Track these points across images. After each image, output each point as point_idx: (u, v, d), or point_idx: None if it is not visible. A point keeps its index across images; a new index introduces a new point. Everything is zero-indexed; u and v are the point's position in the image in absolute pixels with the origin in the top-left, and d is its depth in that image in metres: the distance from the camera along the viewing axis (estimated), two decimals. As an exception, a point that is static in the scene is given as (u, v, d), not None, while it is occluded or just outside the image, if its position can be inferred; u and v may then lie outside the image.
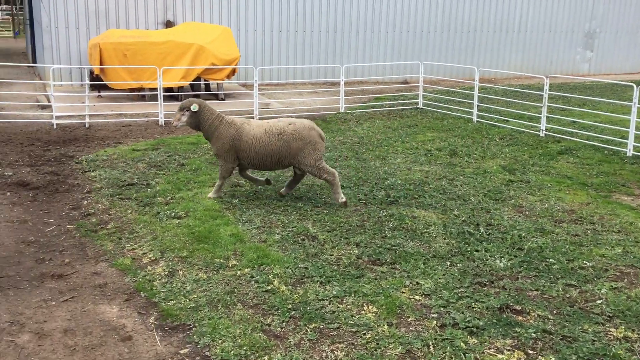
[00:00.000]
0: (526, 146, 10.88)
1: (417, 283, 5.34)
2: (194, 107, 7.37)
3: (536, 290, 5.31)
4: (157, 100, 12.66)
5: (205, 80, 15.51)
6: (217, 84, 15.62)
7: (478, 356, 4.27)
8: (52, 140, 10.74)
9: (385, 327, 4.60)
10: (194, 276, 5.44)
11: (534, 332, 4.58)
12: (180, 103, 7.62)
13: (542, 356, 4.29)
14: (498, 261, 5.84)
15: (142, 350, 4.34)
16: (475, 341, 4.44)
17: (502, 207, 7.51)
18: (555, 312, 4.92)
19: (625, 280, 5.56)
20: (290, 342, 4.42)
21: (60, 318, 4.71)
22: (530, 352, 4.34)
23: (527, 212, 7.35)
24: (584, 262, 5.89)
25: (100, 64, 14.02)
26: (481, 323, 4.67)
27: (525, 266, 5.76)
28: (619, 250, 6.20)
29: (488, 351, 4.33)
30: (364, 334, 4.51)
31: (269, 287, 5.22)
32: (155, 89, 13.67)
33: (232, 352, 4.27)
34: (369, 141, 11.17)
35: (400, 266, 5.69)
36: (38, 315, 4.74)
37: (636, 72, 24.71)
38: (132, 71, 14.00)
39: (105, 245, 6.14)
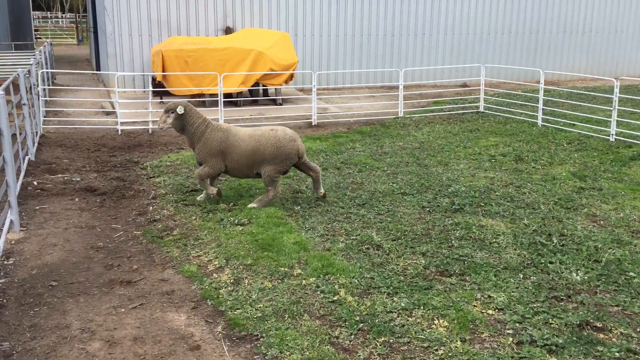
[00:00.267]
0: (596, 151, 10.45)
1: (489, 296, 5.15)
2: (180, 110, 7.38)
3: (617, 305, 5.03)
4: (217, 106, 12.79)
5: (263, 86, 15.60)
6: (275, 89, 15.69)
7: (558, 376, 4.05)
8: (117, 146, 10.98)
9: (459, 343, 4.43)
10: (259, 285, 5.40)
11: (618, 352, 4.32)
12: (165, 105, 7.64)
13: (628, 378, 4.04)
14: (574, 274, 5.57)
15: (211, 360, 4.31)
16: (555, 360, 4.22)
17: (574, 216, 7.20)
18: (639, 329, 4.64)
19: None
20: (359, 356, 4.31)
21: (129, 326, 4.74)
22: (615, 373, 4.10)
23: (601, 222, 7.02)
24: (668, 276, 5.57)
25: (163, 71, 14.29)
26: (560, 341, 4.44)
27: (603, 280, 5.48)
28: None
29: (569, 371, 4.11)
30: (437, 350, 4.35)
31: (335, 298, 5.13)
32: (215, 95, 13.82)
33: (301, 365, 4.19)
34: (429, 146, 10.96)
35: (470, 278, 5.50)
36: (108, 322, 4.79)
37: None
38: (193, 77, 14.22)
39: (172, 252, 6.18)
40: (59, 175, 8.94)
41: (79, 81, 19.86)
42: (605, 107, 12.96)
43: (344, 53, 18.88)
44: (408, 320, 4.75)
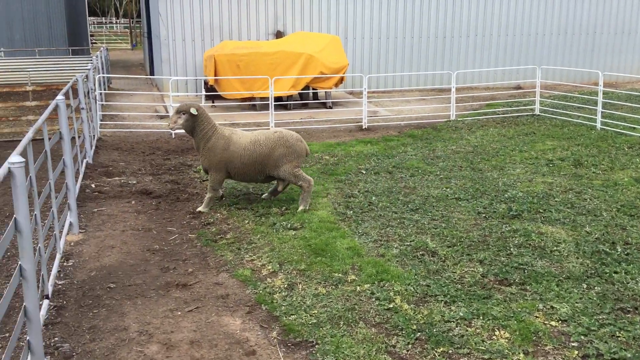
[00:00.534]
0: (660, 156, 10.03)
1: (552, 307, 4.96)
2: (194, 111, 7.34)
3: (689, 319, 4.78)
4: (267, 110, 12.85)
5: (313, 89, 15.60)
6: (325, 92, 15.67)
7: (628, 393, 3.87)
8: (171, 150, 11.15)
9: (522, 355, 4.28)
10: (313, 290, 5.35)
11: (692, 369, 4.10)
12: (177, 106, 7.62)
13: None
14: (642, 285, 5.33)
15: (267, 366, 4.29)
16: (624, 376, 4.03)
17: (639, 224, 6.90)
18: None
19: None
20: (417, 366, 4.21)
21: (186, 329, 4.77)
22: (690, 392, 3.89)
23: (668, 230, 6.71)
24: None
25: (215, 75, 14.46)
26: (629, 355, 4.24)
27: (673, 292, 5.22)
28: None
29: (640, 388, 3.92)
30: (498, 362, 4.22)
31: (391, 305, 5.04)
32: (265, 99, 13.89)
33: (358, 373, 4.12)
34: (483, 150, 10.73)
35: (531, 287, 5.32)
36: (165, 325, 4.82)
37: None
38: (244, 81, 14.34)
39: (226, 255, 6.21)
40: (116, 178, 9.12)
41: (133, 85, 20.31)
42: (669, 110, 12.45)
43: (394, 55, 18.73)
44: (467, 330, 4.62)
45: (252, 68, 14.38)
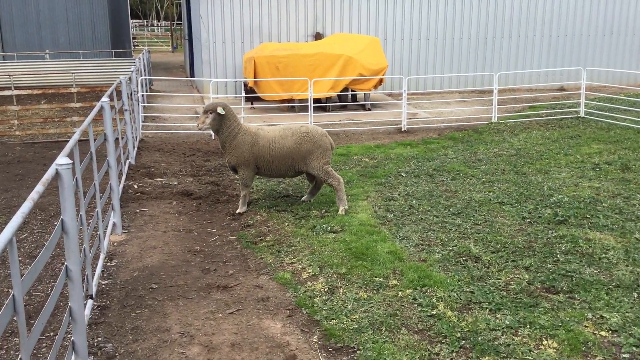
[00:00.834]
0: None
1: (602, 316, 4.80)
2: (221, 110, 7.34)
3: None
4: (306, 111, 12.84)
5: (352, 91, 15.54)
6: (364, 94, 15.59)
7: (686, 410, 3.70)
8: (211, 151, 11.23)
9: (571, 366, 4.14)
10: (354, 295, 5.29)
11: None
12: (204, 106, 7.62)
13: None
14: (697, 296, 5.11)
15: (308, 371, 4.24)
16: (680, 391, 3.86)
17: (692, 231, 6.64)
18: None
19: None
20: (462, 375, 4.11)
21: (227, 331, 4.76)
22: None
23: None
24: None
25: (255, 77, 14.53)
26: (685, 369, 4.06)
27: None
28: None
29: (698, 404, 3.74)
30: (546, 373, 4.09)
31: (434, 312, 4.94)
32: (304, 100, 13.89)
33: (401, 381, 4.04)
34: (527, 153, 10.50)
35: (579, 296, 5.15)
36: (206, 327, 4.83)
37: None
38: (283, 83, 14.36)
39: (266, 258, 6.19)
40: (157, 179, 9.22)
41: (174, 87, 20.58)
42: None
43: (434, 57, 18.53)
44: (514, 339, 4.49)
45: (291, 70, 14.40)
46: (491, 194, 8.13)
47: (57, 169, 3.74)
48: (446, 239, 6.52)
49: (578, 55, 19.41)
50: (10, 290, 5.39)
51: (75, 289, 3.86)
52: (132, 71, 11.91)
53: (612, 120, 13.09)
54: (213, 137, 12.29)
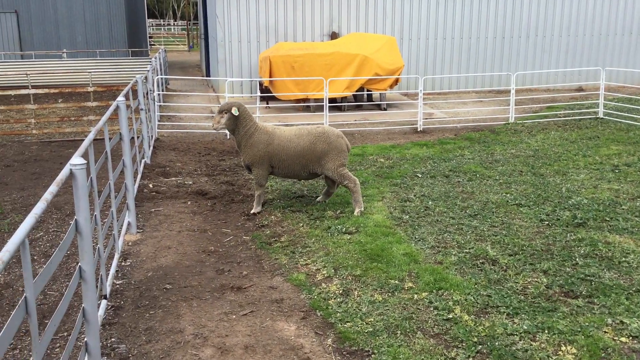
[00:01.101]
0: None
1: (622, 322, 4.70)
2: (235, 111, 7.30)
3: None
4: (322, 111, 12.79)
5: (368, 91, 15.47)
6: (380, 94, 15.51)
7: None
8: (226, 151, 11.22)
9: (591, 373, 4.05)
10: (369, 297, 5.23)
11: None
12: (219, 106, 7.58)
13: None
14: None
15: (322, 375, 4.19)
16: None
17: None
18: None
19: None
20: (479, 381, 4.04)
21: (240, 333, 4.73)
22: None
23: None
24: None
25: (270, 77, 14.50)
26: None
27: None
28: None
29: None
30: (565, 380, 4.01)
31: (450, 316, 4.87)
32: (319, 100, 13.85)
33: (416, 386, 3.98)
34: (544, 154, 10.37)
35: (599, 300, 5.05)
36: (220, 328, 4.79)
37: None
38: (298, 82, 14.33)
39: (280, 259, 6.15)
40: (172, 179, 9.23)
41: (190, 86, 20.63)
42: None
43: (450, 56, 18.40)
44: (532, 344, 4.41)
45: (306, 69, 14.36)
46: (508, 195, 8.03)
47: (71, 169, 3.72)
48: (462, 241, 6.44)
49: (597, 55, 19.17)
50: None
51: (89, 289, 3.85)
52: (148, 70, 11.94)
53: (631, 121, 12.90)
54: (228, 137, 12.29)
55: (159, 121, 13.23)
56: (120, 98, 6.74)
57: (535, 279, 5.49)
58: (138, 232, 6.93)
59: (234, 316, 5.00)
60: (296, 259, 6.14)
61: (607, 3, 18.91)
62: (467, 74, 18.16)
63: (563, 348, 4.36)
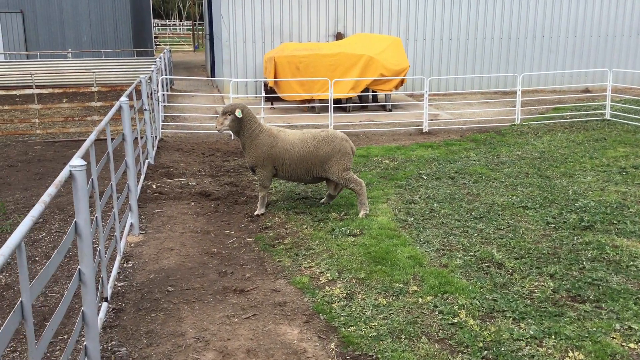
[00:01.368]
0: None
1: (630, 327, 4.62)
2: (238, 113, 7.25)
3: None
4: (326, 112, 12.73)
5: (373, 91, 15.40)
6: (385, 94, 15.44)
7: None
8: (230, 151, 11.17)
9: (599, 381, 3.98)
10: (373, 301, 5.17)
11: None
12: (223, 107, 7.53)
13: None
14: None
15: (325, 380, 4.13)
16: None
17: None
18: None
19: None
20: (484, 387, 3.97)
21: (242, 337, 4.67)
22: None
23: None
24: None
25: (275, 77, 14.45)
26: None
27: None
28: None
29: None
30: (572, 387, 3.93)
31: (455, 320, 4.80)
32: (324, 101, 13.79)
33: (420, 392, 3.91)
34: (551, 156, 10.28)
35: (607, 305, 4.97)
36: (222, 332, 4.74)
37: None
38: (303, 83, 14.27)
39: (283, 261, 6.09)
40: (176, 179, 9.18)
41: (194, 87, 20.60)
42: None
43: (456, 57, 18.31)
44: (538, 350, 4.34)
45: (311, 70, 14.31)
46: (514, 197, 7.95)
47: (70, 171, 3.67)
48: (468, 244, 6.36)
49: (603, 56, 19.04)
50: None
51: (89, 293, 3.79)
52: (152, 70, 11.90)
53: (638, 122, 12.79)
54: (233, 138, 12.24)
55: (163, 121, 13.19)
56: (123, 98, 6.69)
57: (542, 283, 5.41)
58: (140, 233, 6.88)
59: (236, 319, 4.94)
60: (300, 262, 6.08)
61: (614, 4, 18.79)
62: (473, 75, 18.07)
63: (570, 354, 4.29)
